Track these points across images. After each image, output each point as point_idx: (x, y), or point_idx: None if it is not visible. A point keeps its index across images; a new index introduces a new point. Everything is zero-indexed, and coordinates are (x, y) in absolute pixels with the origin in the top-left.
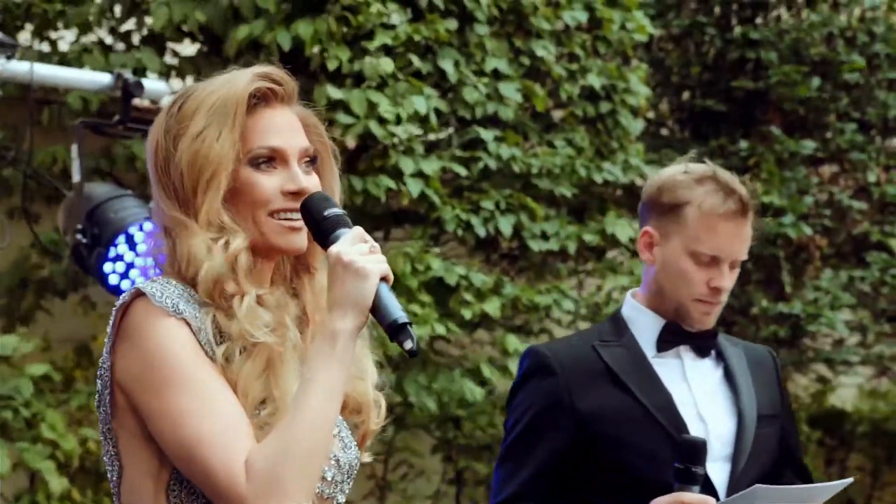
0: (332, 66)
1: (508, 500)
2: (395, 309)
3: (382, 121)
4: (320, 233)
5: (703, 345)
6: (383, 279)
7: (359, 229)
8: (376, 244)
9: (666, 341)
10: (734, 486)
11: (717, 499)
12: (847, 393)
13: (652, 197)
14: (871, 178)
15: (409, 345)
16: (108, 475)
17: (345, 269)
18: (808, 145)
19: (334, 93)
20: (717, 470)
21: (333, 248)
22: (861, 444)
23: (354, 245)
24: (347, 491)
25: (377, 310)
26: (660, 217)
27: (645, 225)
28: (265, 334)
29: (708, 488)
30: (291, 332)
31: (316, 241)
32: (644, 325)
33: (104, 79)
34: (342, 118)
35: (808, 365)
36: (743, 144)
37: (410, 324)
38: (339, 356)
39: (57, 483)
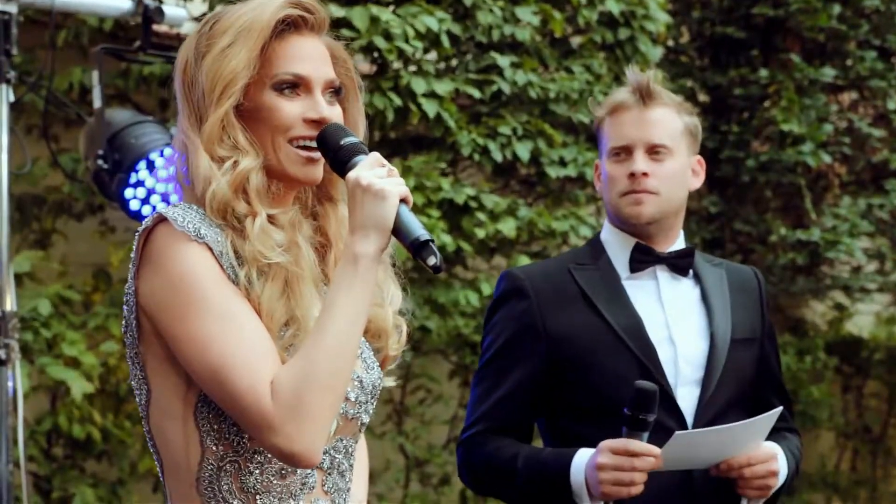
0: None
1: (479, 420)
2: (417, 227)
3: (389, 37)
4: (337, 162)
5: (678, 264)
6: (402, 201)
7: (376, 154)
8: (394, 168)
9: (638, 261)
10: (703, 410)
11: (685, 424)
12: (864, 320)
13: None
14: (891, 105)
15: (432, 261)
16: (137, 399)
17: (364, 193)
18: (828, 73)
19: (336, 11)
20: (686, 394)
21: (352, 174)
22: (878, 371)
23: (372, 169)
24: (371, 412)
25: (398, 230)
26: (598, 146)
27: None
28: (278, 255)
29: (676, 412)
30: (305, 251)
31: (334, 171)
32: (618, 247)
33: (125, 4)
34: (346, 32)
35: (825, 292)
36: (763, 72)
37: (433, 240)
38: (361, 279)
39: (79, 388)
